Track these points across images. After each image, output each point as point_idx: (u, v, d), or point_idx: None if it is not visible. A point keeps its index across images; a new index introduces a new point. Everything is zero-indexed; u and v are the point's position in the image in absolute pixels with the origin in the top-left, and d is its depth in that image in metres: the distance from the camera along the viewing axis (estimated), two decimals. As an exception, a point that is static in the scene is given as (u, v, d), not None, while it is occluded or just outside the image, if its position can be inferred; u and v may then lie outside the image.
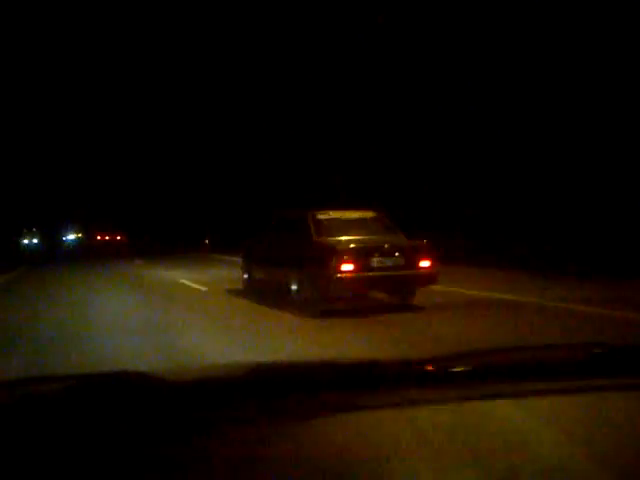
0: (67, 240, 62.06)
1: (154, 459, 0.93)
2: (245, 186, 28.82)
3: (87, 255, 28.30)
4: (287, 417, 1.07)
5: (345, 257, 7.80)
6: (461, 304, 8.60)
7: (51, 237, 52.38)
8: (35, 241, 43.92)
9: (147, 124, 40.04)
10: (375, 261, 7.96)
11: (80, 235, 69.58)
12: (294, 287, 8.56)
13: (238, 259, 12.02)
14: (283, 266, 8.99)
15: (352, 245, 8.02)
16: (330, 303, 8.01)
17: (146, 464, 0.91)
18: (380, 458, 0.92)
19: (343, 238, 8.18)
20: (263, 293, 9.68)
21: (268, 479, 0.87)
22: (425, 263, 8.23)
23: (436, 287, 8.47)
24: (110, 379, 1.42)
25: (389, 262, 8.05)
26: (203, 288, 11.93)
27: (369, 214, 9.30)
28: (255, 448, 0.95)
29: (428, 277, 8.32)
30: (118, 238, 52.70)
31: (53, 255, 29.34)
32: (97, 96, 44.05)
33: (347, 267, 7.80)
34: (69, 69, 43.06)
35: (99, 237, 57.26)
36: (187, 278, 13.52)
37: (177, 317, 8.27)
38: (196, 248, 27.34)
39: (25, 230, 43.53)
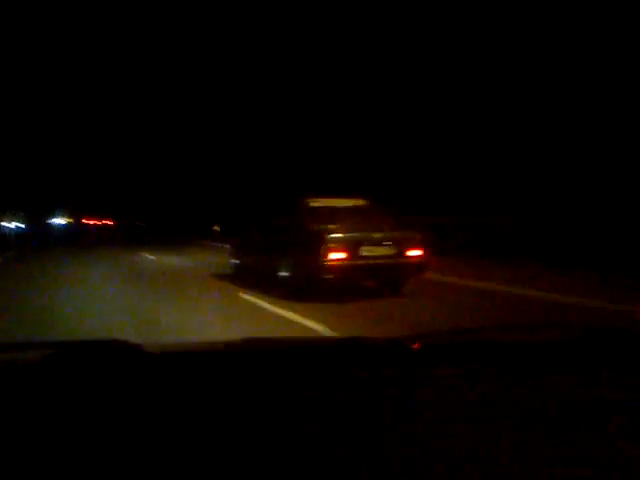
0: (56, 225, 59.56)
1: (137, 426, 0.93)
2: (257, 173, 28.04)
3: (77, 241, 27.07)
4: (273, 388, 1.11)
5: (335, 245, 7.77)
6: (450, 293, 8.64)
7: (39, 221, 49.53)
8: (22, 225, 40.59)
9: (150, 108, 39.67)
10: (365, 249, 7.93)
11: (71, 220, 68.32)
12: (283, 273, 8.53)
13: (227, 245, 11.98)
14: (273, 252, 8.95)
15: (342, 233, 7.97)
16: (318, 290, 7.97)
17: (129, 432, 0.91)
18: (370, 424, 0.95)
19: (333, 226, 8.12)
20: (251, 277, 9.64)
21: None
22: (416, 252, 8.21)
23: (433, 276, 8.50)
24: (96, 346, 1.42)
25: (379, 251, 8.02)
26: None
27: (361, 202, 9.26)
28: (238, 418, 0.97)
29: (418, 266, 8.31)
30: (108, 223, 52.49)
31: (41, 240, 27.30)
32: (91, 82, 43.73)
33: (336, 255, 7.77)
34: (61, 58, 42.69)
35: (89, 222, 56.59)
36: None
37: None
38: (203, 236, 25.20)
39: (9, 213, 40.04)
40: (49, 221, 59.57)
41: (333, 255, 7.74)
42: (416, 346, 1.59)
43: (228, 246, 11.80)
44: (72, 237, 32.08)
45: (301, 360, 1.37)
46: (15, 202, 44.94)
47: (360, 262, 7.90)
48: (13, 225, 38.49)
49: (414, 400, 1.08)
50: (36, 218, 49.03)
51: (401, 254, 8.13)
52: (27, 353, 1.40)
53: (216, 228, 26.25)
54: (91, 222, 54.76)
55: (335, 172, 20.39)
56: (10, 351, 1.41)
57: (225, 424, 0.95)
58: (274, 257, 8.89)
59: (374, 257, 7.97)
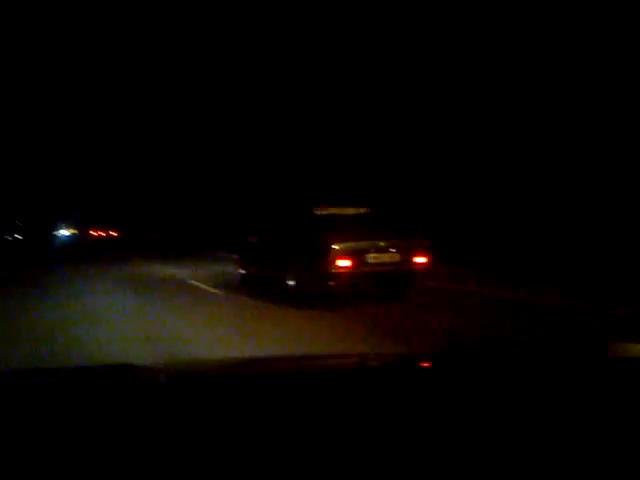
0: (60, 236, 56.41)
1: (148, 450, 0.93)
2: (261, 181, 27.68)
3: (81, 255, 23.83)
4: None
5: (341, 252, 7.91)
6: (448, 300, 8.78)
7: (40, 232, 44.52)
8: (20, 237, 35.45)
9: (152, 119, 39.61)
10: (371, 257, 8.07)
11: (75, 231, 66.40)
12: (291, 282, 8.65)
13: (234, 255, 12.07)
14: (280, 261, 9.08)
15: (348, 241, 8.11)
16: (326, 298, 8.10)
17: (139, 455, 0.91)
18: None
19: (340, 233, 8.26)
20: (258, 287, 9.75)
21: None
22: (420, 259, 8.35)
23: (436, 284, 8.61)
24: (107, 372, 1.47)
25: (385, 258, 8.15)
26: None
27: (366, 210, 9.40)
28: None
29: (423, 273, 8.44)
30: (112, 234, 51.89)
31: (39, 254, 23.61)
32: (95, 89, 43.94)
33: (343, 262, 7.90)
34: (66, 63, 43.01)
35: (94, 233, 55.63)
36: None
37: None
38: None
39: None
40: (55, 232, 56.04)
41: (340, 262, 7.88)
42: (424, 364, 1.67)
43: (235, 256, 11.92)
44: (78, 251, 27.52)
45: (315, 382, 1.39)
46: (15, 212, 42.28)
47: (366, 269, 8.03)
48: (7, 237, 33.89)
49: (420, 417, 1.10)
50: (38, 229, 45.06)
51: (407, 261, 8.27)
52: (32, 380, 1.39)
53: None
54: (96, 233, 53.41)
55: (338, 180, 20.52)
56: (15, 378, 1.42)
57: (232, 445, 0.95)
58: (281, 266, 9.01)
59: (380, 264, 8.10)
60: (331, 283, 7.97)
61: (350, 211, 9.31)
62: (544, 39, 13.91)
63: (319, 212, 9.06)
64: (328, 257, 7.89)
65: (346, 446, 0.94)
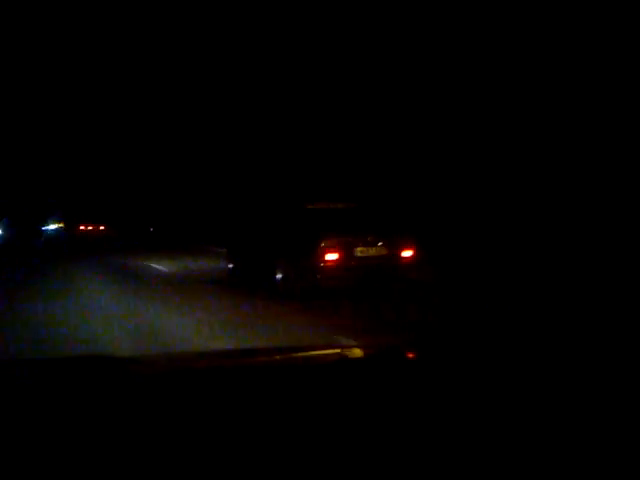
0: (47, 231, 53.07)
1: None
2: (249, 175, 27.51)
3: (71, 252, 22.10)
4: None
5: (330, 247, 7.98)
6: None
7: (24, 227, 39.37)
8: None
9: (145, 113, 39.15)
10: (359, 251, 8.15)
11: (61, 225, 64.81)
12: (279, 276, 8.70)
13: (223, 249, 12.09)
14: (268, 254, 9.12)
15: (336, 235, 8.18)
16: (313, 291, 8.16)
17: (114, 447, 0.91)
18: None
19: (328, 228, 8.33)
20: (246, 281, 9.78)
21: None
22: (407, 253, 8.44)
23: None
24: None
25: (372, 252, 8.23)
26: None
27: (354, 205, 9.47)
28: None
29: (410, 267, 8.53)
30: (101, 229, 50.93)
31: (25, 252, 21.11)
32: (86, 80, 43.50)
33: (331, 256, 7.97)
34: (53, 57, 42.64)
35: (82, 227, 54.15)
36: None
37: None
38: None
39: None
40: (43, 228, 51.31)
41: (328, 256, 7.95)
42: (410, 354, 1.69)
43: (224, 250, 11.95)
44: (67, 248, 25.14)
45: (298, 373, 1.41)
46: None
47: (354, 263, 8.11)
48: None
49: (408, 407, 1.11)
50: (20, 224, 39.33)
51: (394, 254, 8.35)
52: (10, 371, 1.39)
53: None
54: (88, 227, 51.96)
55: (327, 175, 20.56)
56: None
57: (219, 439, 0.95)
58: (269, 260, 9.06)
59: (368, 258, 8.18)
60: (319, 276, 8.03)
61: (338, 206, 9.38)
62: (544, 39, 14.02)
63: (308, 206, 9.12)
64: (316, 250, 7.96)
65: (329, 437, 0.94)
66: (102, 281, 11.16)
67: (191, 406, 1.09)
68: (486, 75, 15.47)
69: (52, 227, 61.52)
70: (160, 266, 14.10)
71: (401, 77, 18.24)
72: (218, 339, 5.58)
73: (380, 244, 8.33)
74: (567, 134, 13.69)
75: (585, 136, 13.26)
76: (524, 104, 14.52)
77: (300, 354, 1.90)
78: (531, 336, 5.11)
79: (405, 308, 7.69)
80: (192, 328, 6.20)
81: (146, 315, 7.11)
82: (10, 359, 3.81)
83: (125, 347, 5.24)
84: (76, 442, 0.91)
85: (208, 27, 27.18)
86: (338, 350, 2.41)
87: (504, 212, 14.64)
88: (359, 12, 19.17)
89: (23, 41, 39.11)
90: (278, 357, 1.76)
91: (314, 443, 0.92)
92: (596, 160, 12.89)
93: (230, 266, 10.89)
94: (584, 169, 13.04)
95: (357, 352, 2.12)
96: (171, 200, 39.44)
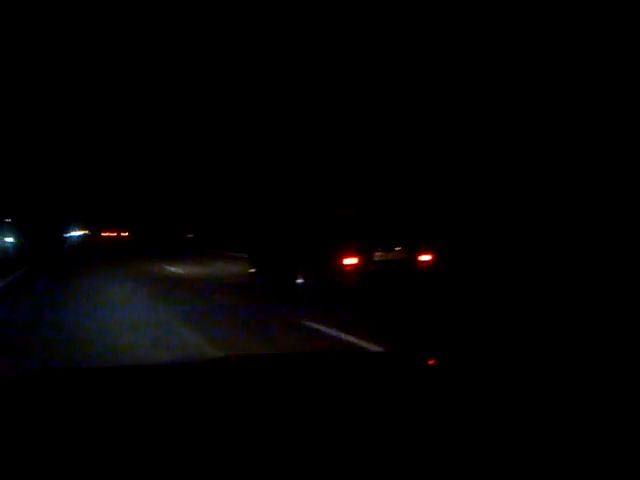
0: (71, 237, 50.35)
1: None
2: (267, 180, 27.44)
3: (95, 257, 21.66)
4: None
5: (349, 251, 8.13)
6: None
7: (43, 234, 34.07)
8: (10, 240, 24.62)
9: (166, 121, 39.57)
10: (378, 255, 8.29)
11: (87, 232, 64.92)
12: (300, 280, 8.86)
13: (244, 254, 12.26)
14: (289, 259, 9.30)
15: (356, 240, 8.33)
16: (334, 295, 8.30)
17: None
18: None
19: (347, 232, 8.49)
20: (268, 286, 9.94)
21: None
22: (425, 258, 8.56)
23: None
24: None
25: (391, 256, 8.37)
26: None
27: (373, 211, 9.63)
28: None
29: (428, 271, 8.64)
30: (123, 234, 51.46)
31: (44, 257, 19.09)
32: (102, 88, 44.06)
33: (351, 261, 8.12)
34: (74, 65, 43.35)
35: (104, 234, 54.69)
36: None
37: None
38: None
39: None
40: (67, 234, 48.32)
41: (347, 261, 8.09)
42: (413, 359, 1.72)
43: (245, 255, 12.14)
44: (90, 253, 24.52)
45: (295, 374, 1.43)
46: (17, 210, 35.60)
47: (373, 267, 8.25)
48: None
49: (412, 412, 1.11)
50: (38, 230, 34.18)
51: (412, 259, 8.47)
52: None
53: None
54: (108, 234, 52.14)
55: (347, 181, 20.69)
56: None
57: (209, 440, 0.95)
58: (290, 264, 9.23)
59: (387, 262, 8.31)
60: (338, 280, 8.18)
61: (357, 211, 9.54)
62: (544, 39, 14.01)
63: (327, 212, 9.30)
64: (336, 255, 8.11)
65: (346, 442, 0.95)
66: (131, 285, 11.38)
67: (203, 409, 1.12)
68: (501, 79, 15.49)
69: (78, 233, 61.55)
70: (181, 269, 14.34)
71: (422, 86, 18.32)
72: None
73: (399, 249, 8.46)
74: (569, 134, 13.66)
75: (585, 136, 13.22)
76: (535, 108, 14.51)
77: (321, 359, 1.90)
78: (543, 341, 5.19)
79: (423, 312, 7.78)
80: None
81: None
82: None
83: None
84: (81, 444, 0.94)
85: (226, 33, 27.50)
86: (358, 355, 2.38)
87: (516, 214, 14.64)
88: (369, 17, 19.28)
89: (48, 50, 39.86)
90: (298, 362, 1.74)
91: (332, 449, 0.92)
92: (596, 160, 12.85)
93: (252, 271, 11.07)
94: (586, 169, 13.00)
95: (378, 357, 2.18)
96: (194, 207, 39.71)
